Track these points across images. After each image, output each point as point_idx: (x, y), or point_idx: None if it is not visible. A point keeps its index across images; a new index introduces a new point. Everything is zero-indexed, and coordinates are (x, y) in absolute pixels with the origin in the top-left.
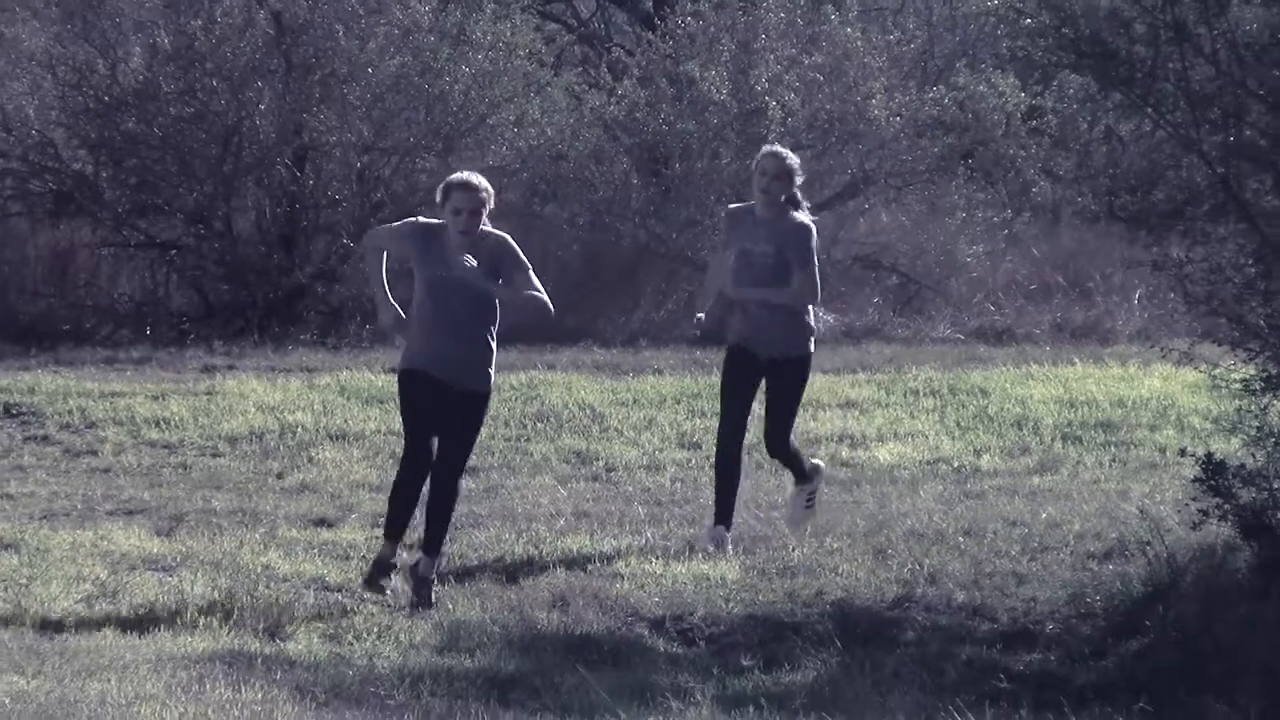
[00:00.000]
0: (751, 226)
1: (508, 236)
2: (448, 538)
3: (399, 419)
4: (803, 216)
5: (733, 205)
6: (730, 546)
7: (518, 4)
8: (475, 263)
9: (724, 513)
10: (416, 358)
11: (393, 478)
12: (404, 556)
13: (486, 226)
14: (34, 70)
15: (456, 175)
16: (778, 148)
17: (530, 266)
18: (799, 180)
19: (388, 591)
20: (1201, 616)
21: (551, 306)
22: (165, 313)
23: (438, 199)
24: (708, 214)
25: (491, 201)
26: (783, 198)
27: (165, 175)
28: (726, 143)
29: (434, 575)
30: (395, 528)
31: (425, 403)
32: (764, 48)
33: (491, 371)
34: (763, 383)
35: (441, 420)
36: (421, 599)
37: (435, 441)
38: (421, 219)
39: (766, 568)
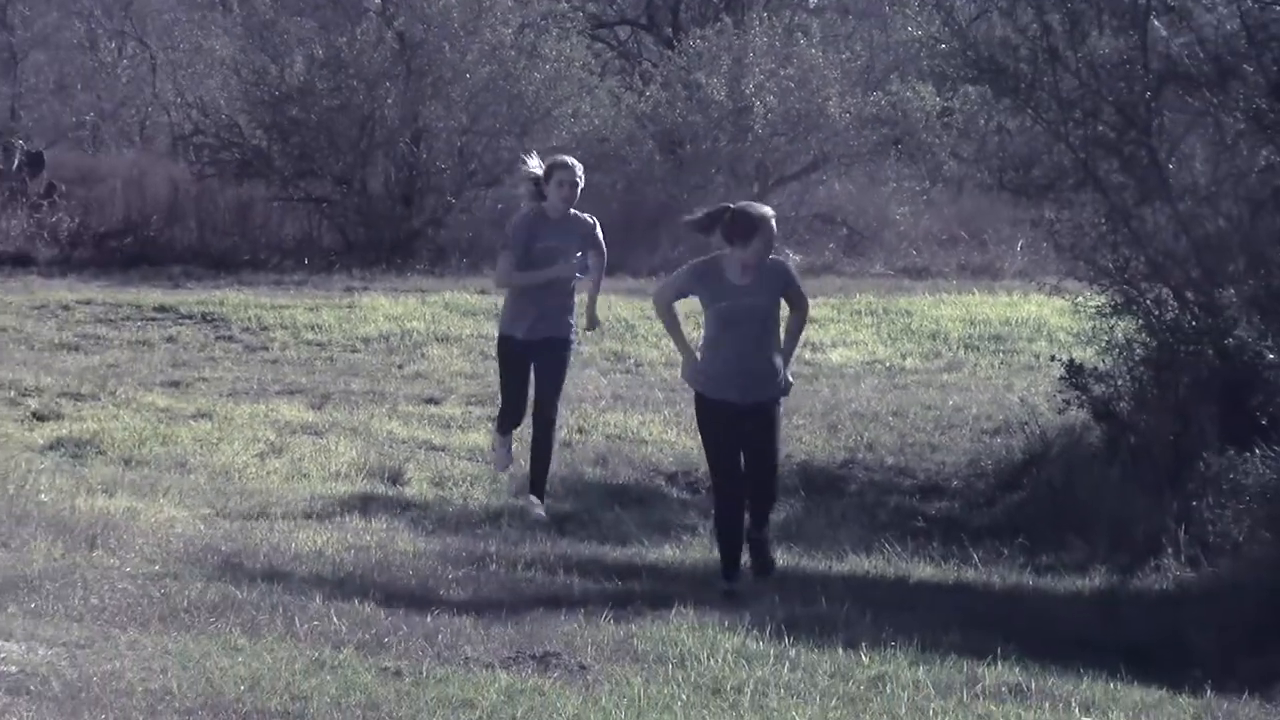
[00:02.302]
0: (552, 229)
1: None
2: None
3: (488, 326)
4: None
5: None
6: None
7: (574, 28)
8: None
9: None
10: (712, 384)
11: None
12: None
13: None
14: (224, 71)
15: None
16: (566, 159)
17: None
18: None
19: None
20: (1064, 477)
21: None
22: (318, 249)
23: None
24: (709, 181)
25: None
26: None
27: (319, 149)
28: (724, 130)
29: None
30: None
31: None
32: (751, 63)
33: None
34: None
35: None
36: None
37: None
38: (692, 262)
39: None
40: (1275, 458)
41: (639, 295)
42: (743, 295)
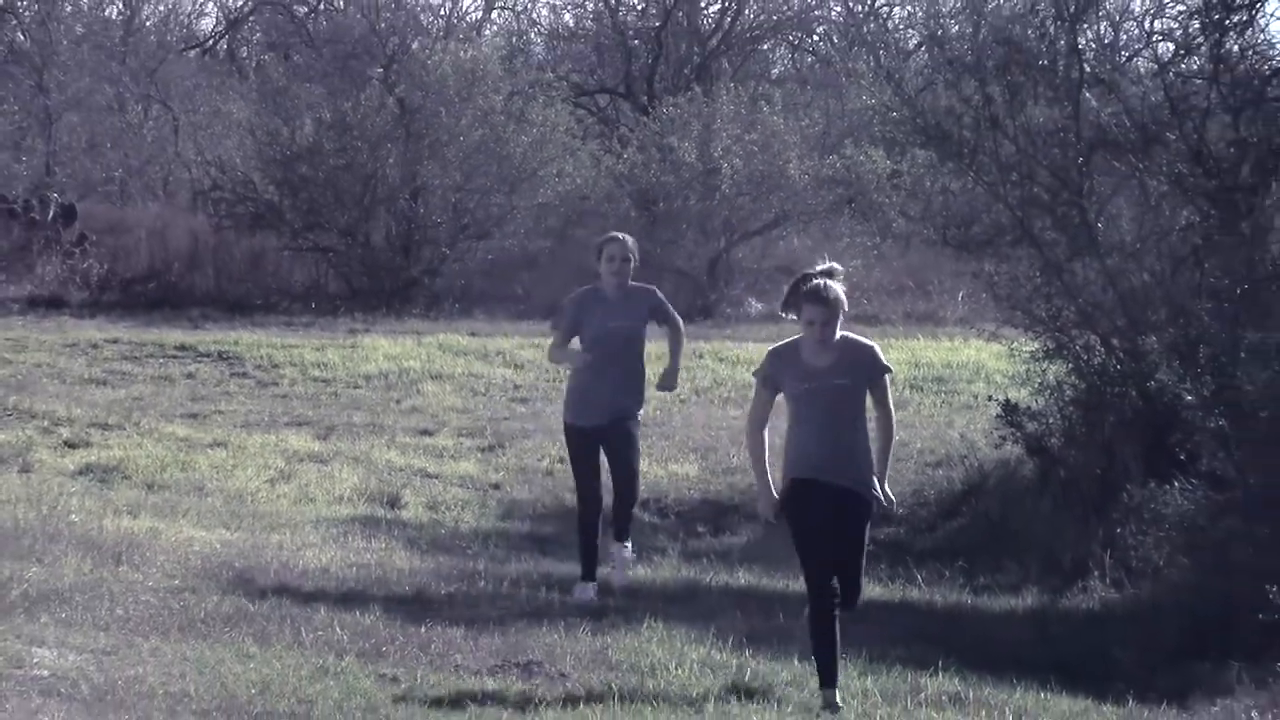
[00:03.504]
0: (611, 306)
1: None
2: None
3: (478, 366)
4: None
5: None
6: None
7: (559, 96)
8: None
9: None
10: (798, 465)
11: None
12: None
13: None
14: (240, 133)
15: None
16: (621, 235)
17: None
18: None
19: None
20: (1000, 506)
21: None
22: (324, 294)
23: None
24: (680, 236)
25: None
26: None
27: (325, 204)
28: (693, 190)
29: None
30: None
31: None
32: (719, 128)
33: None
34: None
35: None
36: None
37: None
38: (772, 348)
39: (715, 468)
40: (1192, 490)
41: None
42: (826, 376)
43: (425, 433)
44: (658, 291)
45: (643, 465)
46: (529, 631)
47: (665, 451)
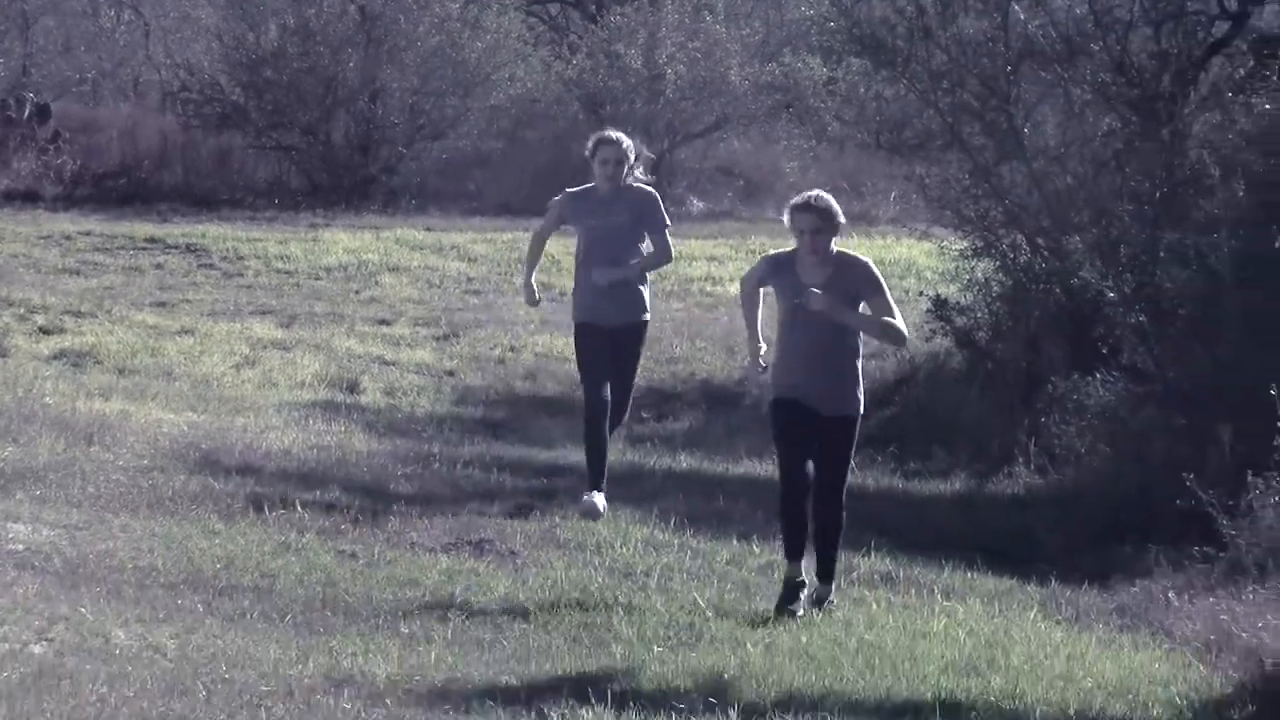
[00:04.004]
0: (597, 204)
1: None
2: None
3: (433, 259)
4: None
5: (570, 189)
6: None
7: (512, 4)
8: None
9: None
10: (783, 387)
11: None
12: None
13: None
14: (208, 37)
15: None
16: (613, 133)
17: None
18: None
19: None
20: (930, 396)
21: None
22: (287, 190)
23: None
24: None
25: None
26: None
27: (288, 105)
28: (639, 94)
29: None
30: None
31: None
32: (664, 36)
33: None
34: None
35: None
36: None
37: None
38: (769, 254)
39: (659, 357)
40: (1113, 383)
41: (563, 235)
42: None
43: (383, 322)
44: (657, 198)
45: None
46: (481, 511)
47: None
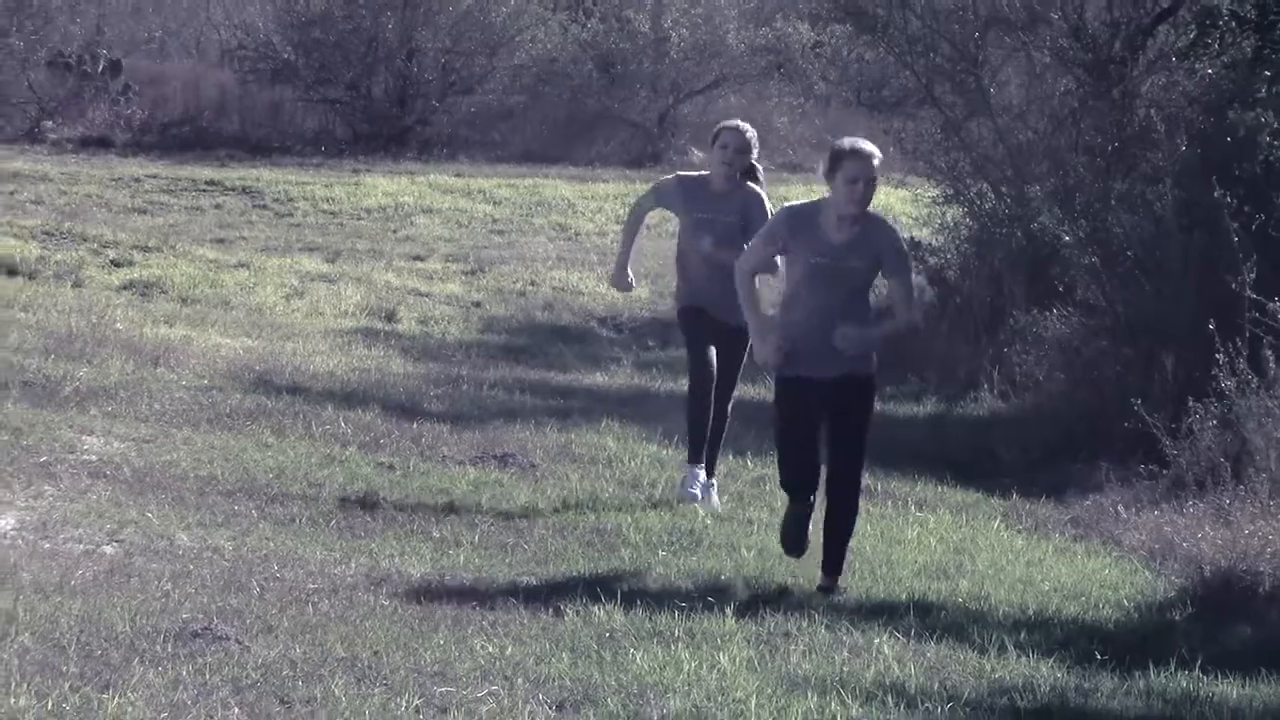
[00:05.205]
0: (709, 199)
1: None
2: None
3: (462, 202)
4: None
5: (683, 174)
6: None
7: None
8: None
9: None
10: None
11: (463, 239)
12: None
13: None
14: (262, 1)
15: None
16: (741, 124)
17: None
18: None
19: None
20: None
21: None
22: (332, 139)
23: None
24: (634, 94)
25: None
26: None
27: (334, 62)
28: (646, 55)
29: None
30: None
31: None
32: (669, 3)
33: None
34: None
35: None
36: None
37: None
38: (789, 206)
39: (663, 291)
40: (1068, 316)
41: (578, 180)
42: (839, 255)
43: (417, 258)
44: (767, 205)
45: (601, 289)
46: (504, 428)
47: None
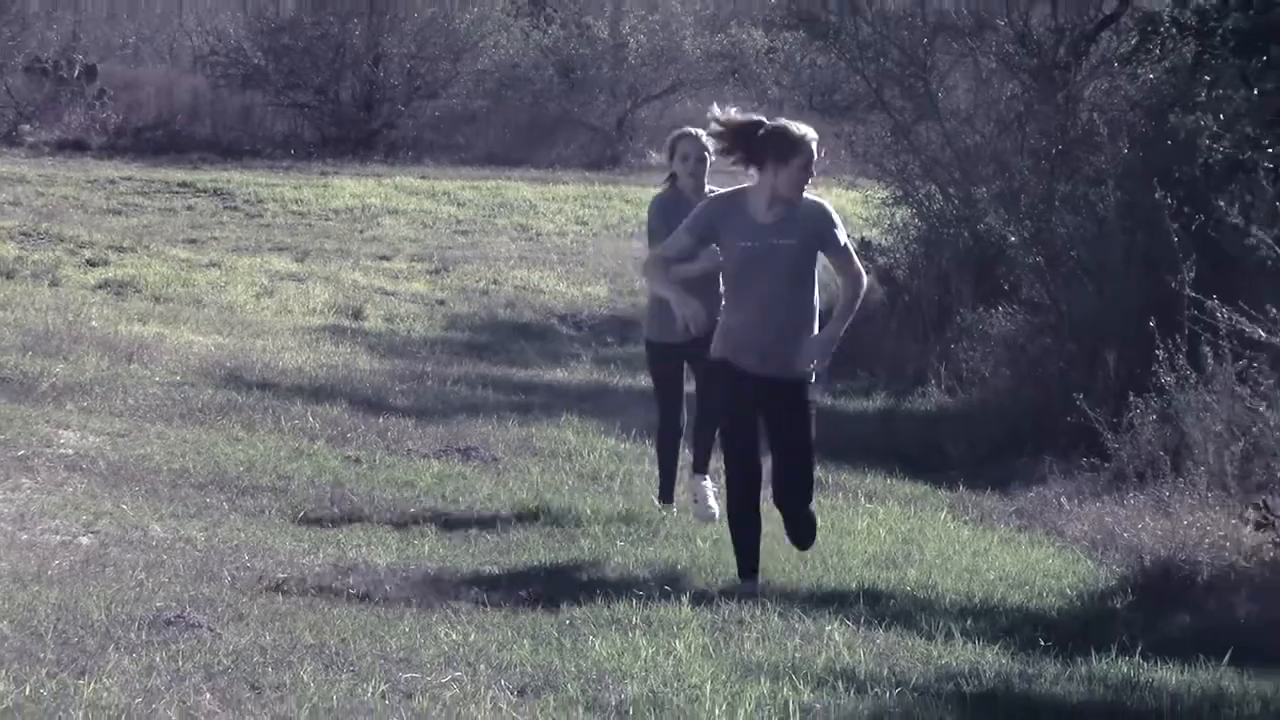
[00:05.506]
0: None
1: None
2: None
3: (427, 203)
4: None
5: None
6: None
7: None
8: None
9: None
10: (729, 347)
11: (427, 240)
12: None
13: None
14: (233, 7)
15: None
16: (694, 131)
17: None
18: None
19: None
20: (854, 324)
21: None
22: (301, 142)
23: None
24: (594, 99)
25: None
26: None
27: (303, 68)
28: (605, 60)
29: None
30: None
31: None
32: (627, 10)
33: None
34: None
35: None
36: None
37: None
38: (715, 194)
39: (622, 289)
40: (1013, 314)
41: (539, 182)
42: (769, 235)
43: (383, 258)
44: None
45: (561, 287)
46: (467, 423)
47: (580, 276)
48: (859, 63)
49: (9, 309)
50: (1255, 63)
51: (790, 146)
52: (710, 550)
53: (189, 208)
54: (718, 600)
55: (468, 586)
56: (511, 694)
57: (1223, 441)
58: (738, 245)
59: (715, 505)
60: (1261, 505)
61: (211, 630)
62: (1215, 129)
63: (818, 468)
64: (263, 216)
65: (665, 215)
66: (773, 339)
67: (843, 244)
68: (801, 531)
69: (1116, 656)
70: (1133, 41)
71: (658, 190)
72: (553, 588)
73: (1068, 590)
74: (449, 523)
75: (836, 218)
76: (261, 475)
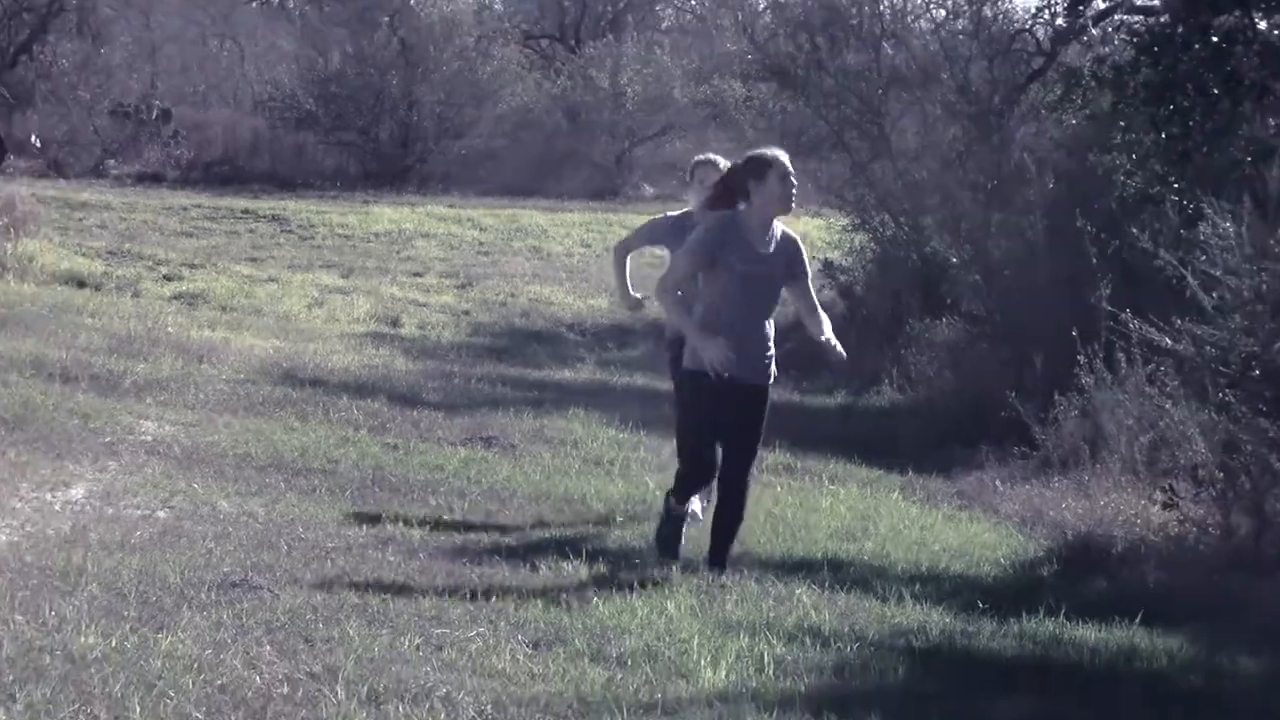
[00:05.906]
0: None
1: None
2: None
3: (454, 228)
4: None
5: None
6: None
7: (513, 39)
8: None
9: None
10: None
11: (454, 259)
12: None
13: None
14: (288, 61)
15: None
16: (712, 156)
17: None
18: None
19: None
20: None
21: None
22: (346, 175)
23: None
24: (596, 139)
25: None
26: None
27: (347, 112)
28: (606, 106)
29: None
30: None
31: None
32: (625, 64)
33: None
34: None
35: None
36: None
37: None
38: (718, 216)
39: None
40: (955, 325)
41: (550, 210)
42: (764, 260)
43: (417, 274)
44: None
45: (569, 300)
46: (489, 415)
47: (584, 290)
48: (823, 109)
49: (97, 317)
50: (1163, 111)
51: (763, 165)
52: (697, 529)
53: (250, 231)
54: (703, 568)
55: (489, 555)
56: (527, 646)
57: (1134, 433)
58: (737, 268)
59: (697, 504)
60: (1168, 488)
61: (271, 592)
62: (1129, 167)
63: (788, 454)
64: (314, 239)
65: (684, 236)
66: (756, 352)
67: (810, 286)
68: (733, 498)
69: (1044, 617)
70: (1058, 92)
71: (675, 213)
72: (562, 556)
73: (1002, 560)
74: (473, 500)
75: (806, 260)
76: (313, 459)
